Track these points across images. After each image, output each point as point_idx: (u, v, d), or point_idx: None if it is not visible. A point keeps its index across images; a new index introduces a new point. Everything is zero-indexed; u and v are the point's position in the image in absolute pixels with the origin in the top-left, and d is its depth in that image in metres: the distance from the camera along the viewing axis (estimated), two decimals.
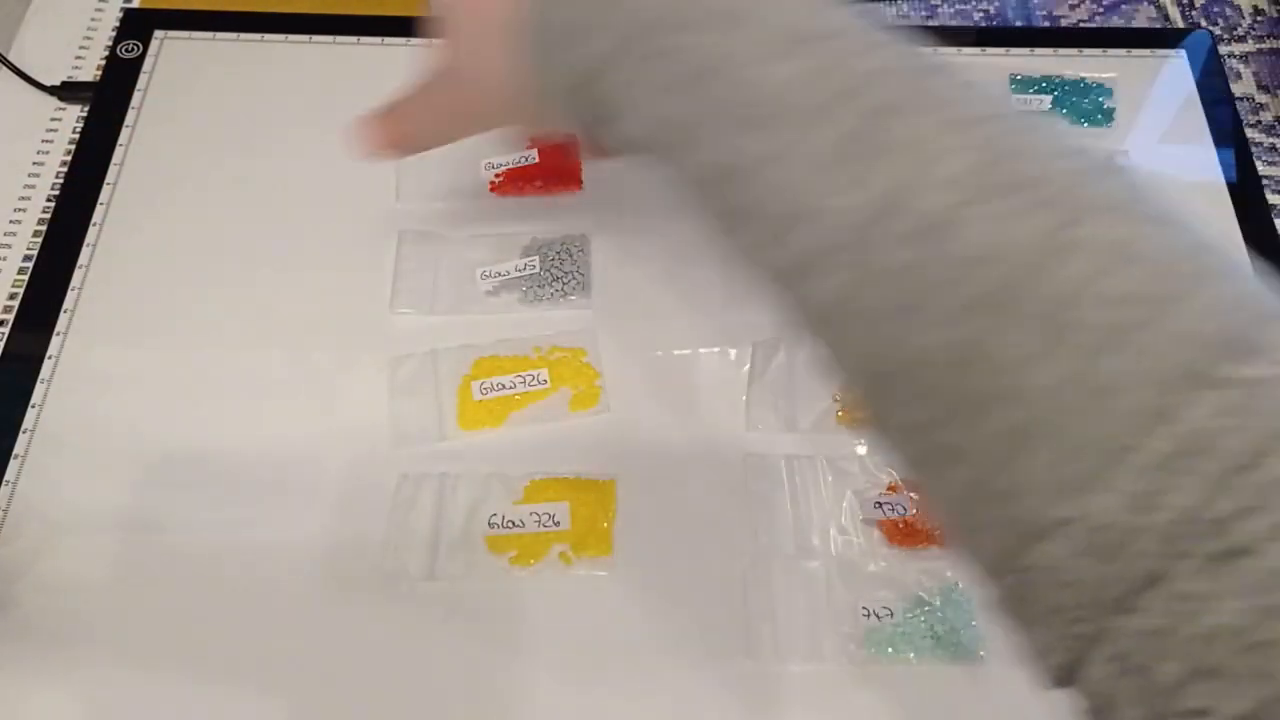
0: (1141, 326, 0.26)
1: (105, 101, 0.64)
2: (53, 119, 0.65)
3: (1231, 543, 0.24)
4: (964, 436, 0.28)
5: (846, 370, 0.31)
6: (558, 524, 0.50)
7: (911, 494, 0.51)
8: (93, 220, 0.60)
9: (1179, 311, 0.26)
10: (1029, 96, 0.65)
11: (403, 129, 0.47)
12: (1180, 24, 0.70)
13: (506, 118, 0.43)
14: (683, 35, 0.32)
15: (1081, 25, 0.70)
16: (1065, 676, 0.29)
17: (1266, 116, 0.66)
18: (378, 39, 0.67)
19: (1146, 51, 0.68)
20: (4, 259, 0.59)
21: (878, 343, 0.30)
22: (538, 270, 0.58)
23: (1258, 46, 0.69)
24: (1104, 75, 0.66)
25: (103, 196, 0.61)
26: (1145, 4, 0.71)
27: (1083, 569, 0.26)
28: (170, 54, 0.66)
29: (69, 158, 0.63)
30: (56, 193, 0.61)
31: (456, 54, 0.42)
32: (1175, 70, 0.67)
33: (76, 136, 0.63)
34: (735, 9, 0.32)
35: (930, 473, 0.30)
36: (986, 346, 0.27)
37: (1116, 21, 0.70)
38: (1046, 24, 0.70)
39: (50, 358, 0.55)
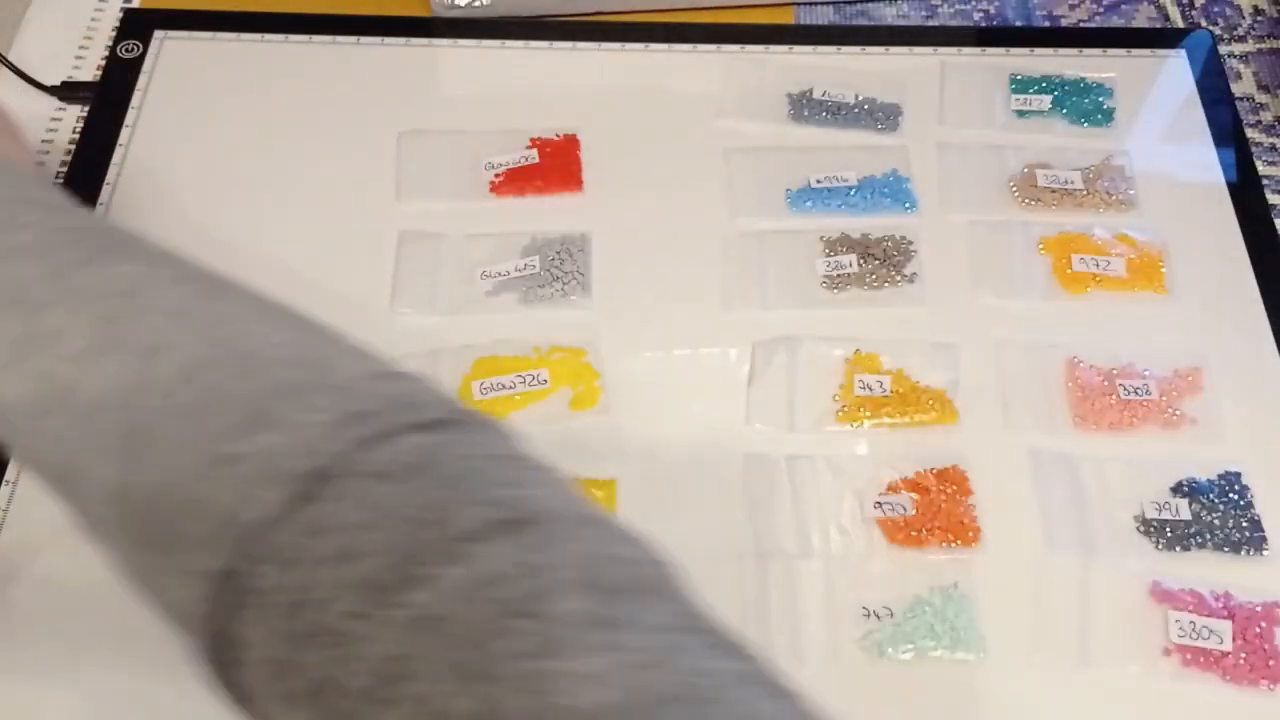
0: None
1: (105, 101, 0.64)
2: (53, 119, 0.65)
3: None
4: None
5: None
6: None
7: (912, 494, 0.52)
8: None
9: None
10: (1029, 96, 0.65)
11: None
12: (1180, 24, 0.70)
13: None
14: None
15: (1081, 25, 0.70)
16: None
17: (1266, 116, 0.66)
18: (378, 39, 0.67)
19: (1146, 51, 0.68)
20: None
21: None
22: (538, 270, 0.58)
23: (1258, 46, 0.69)
24: (1104, 75, 0.66)
25: (103, 196, 0.61)
26: (1145, 4, 0.71)
27: None
28: (170, 54, 0.66)
29: (69, 158, 0.63)
30: None
31: None
32: (1175, 70, 0.67)
33: (76, 136, 0.63)
34: None
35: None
36: None
37: (1116, 21, 0.70)
38: (1046, 24, 0.70)
39: None
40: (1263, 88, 0.68)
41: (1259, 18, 0.71)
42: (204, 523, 0.31)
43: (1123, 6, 0.71)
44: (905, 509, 0.51)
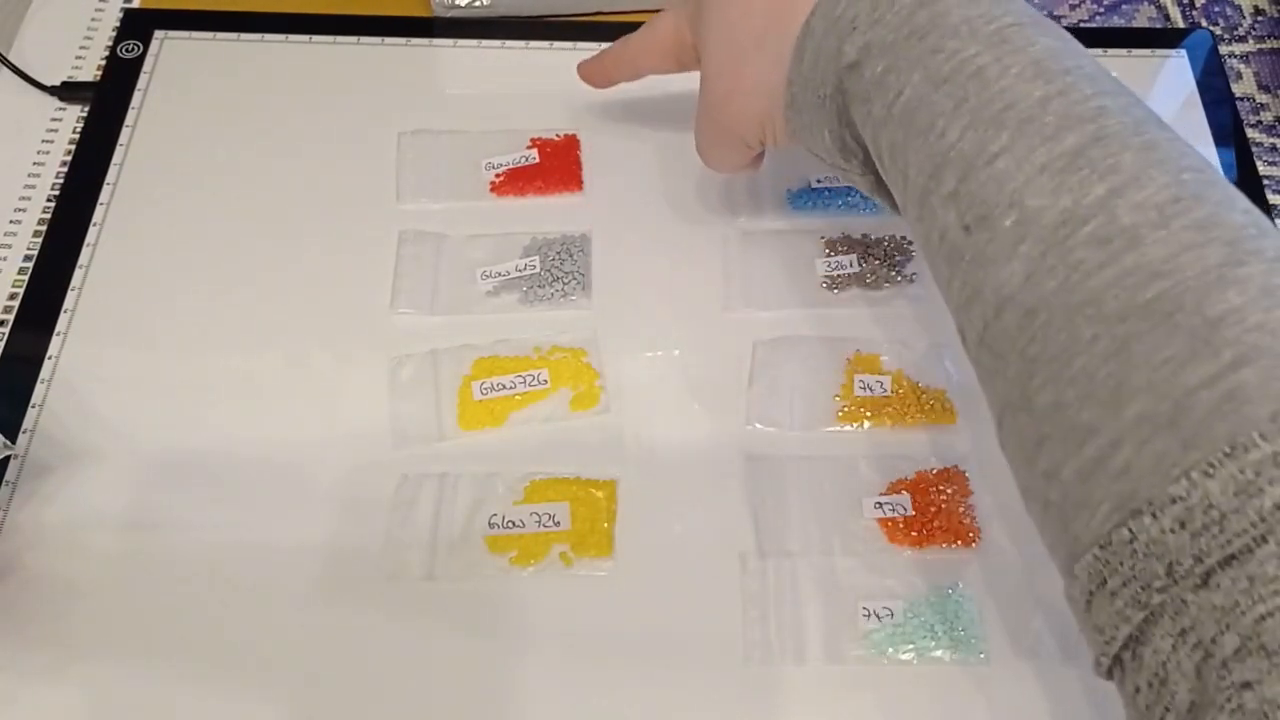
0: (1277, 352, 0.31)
1: (105, 101, 0.64)
2: (53, 119, 0.65)
3: None
4: (1101, 418, 0.33)
5: (1000, 350, 0.36)
6: (558, 524, 0.50)
7: (912, 494, 0.51)
8: (93, 220, 0.60)
9: None
10: None
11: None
12: (1180, 24, 0.70)
13: (749, 129, 0.49)
14: (950, 41, 0.39)
15: (1081, 25, 0.70)
16: (1121, 654, 0.33)
17: (1267, 116, 0.66)
18: (378, 39, 0.67)
19: (1147, 51, 0.68)
20: (4, 259, 0.59)
21: (1045, 327, 0.34)
22: (538, 270, 0.58)
23: (1258, 46, 0.69)
24: None
25: (103, 196, 0.61)
26: (1145, 4, 0.71)
27: (1173, 544, 0.30)
28: (170, 54, 0.66)
29: (69, 158, 0.63)
30: (56, 193, 0.61)
31: (716, 62, 0.49)
32: (1175, 70, 0.67)
33: (76, 136, 0.63)
34: (1000, 33, 0.38)
35: (1053, 452, 0.34)
36: (1143, 344, 0.32)
37: (1117, 21, 0.70)
38: None
39: (50, 358, 0.55)
40: (1263, 88, 0.68)
41: (1259, 18, 0.71)
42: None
43: (1123, 6, 0.71)
44: (905, 509, 0.51)
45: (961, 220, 0.37)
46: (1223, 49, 0.68)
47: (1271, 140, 0.65)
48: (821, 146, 0.45)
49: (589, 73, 0.58)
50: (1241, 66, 0.68)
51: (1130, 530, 0.31)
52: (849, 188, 0.61)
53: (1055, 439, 0.34)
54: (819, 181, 0.61)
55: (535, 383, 0.54)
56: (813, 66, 0.43)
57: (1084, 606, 0.34)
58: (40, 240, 0.59)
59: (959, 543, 0.50)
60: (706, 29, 0.48)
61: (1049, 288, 0.34)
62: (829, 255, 0.59)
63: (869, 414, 0.54)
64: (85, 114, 0.64)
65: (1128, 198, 0.34)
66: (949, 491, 0.51)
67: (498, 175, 0.61)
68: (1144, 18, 0.70)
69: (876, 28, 0.40)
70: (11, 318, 0.57)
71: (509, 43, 0.67)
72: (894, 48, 0.40)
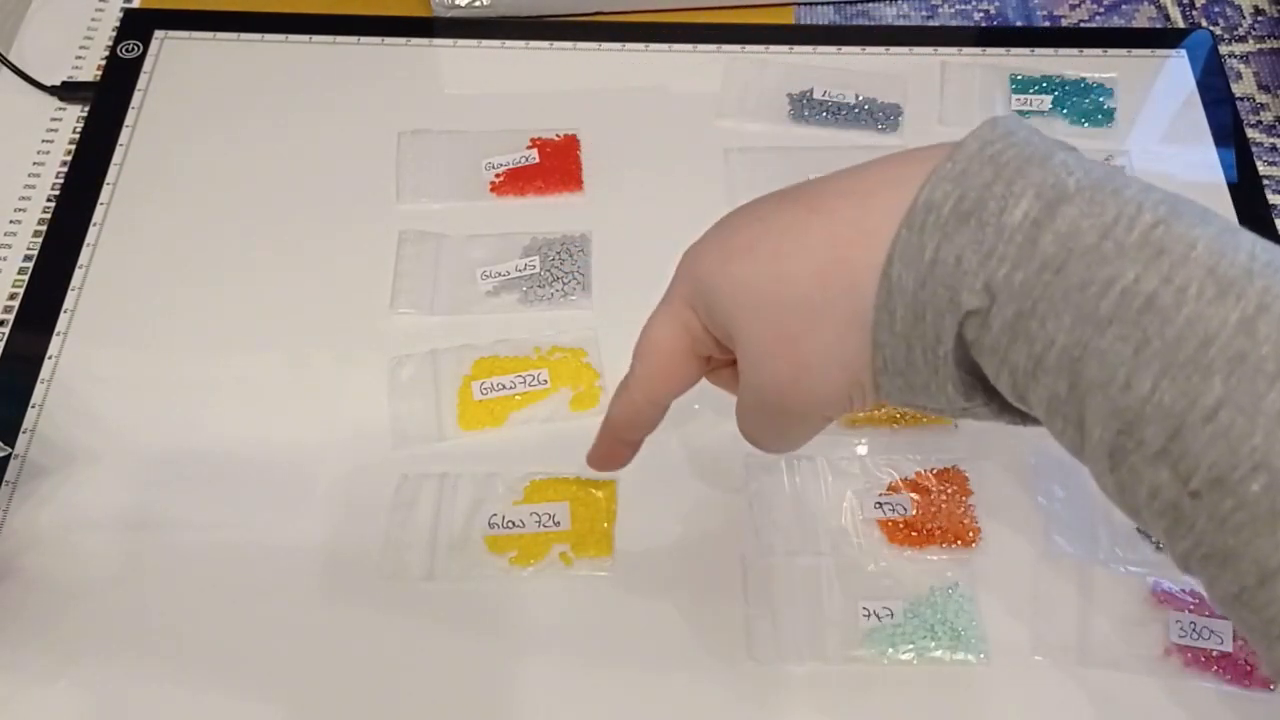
0: None
1: (105, 101, 0.64)
2: (53, 119, 0.65)
3: None
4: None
5: (1271, 615, 0.32)
6: (558, 524, 0.50)
7: (912, 494, 0.51)
8: (93, 220, 0.60)
9: None
10: (1029, 96, 0.65)
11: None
12: (1180, 24, 0.70)
13: (830, 405, 0.39)
14: (1099, 269, 0.32)
15: (1082, 25, 0.70)
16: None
17: (1267, 116, 0.66)
18: (378, 39, 0.67)
19: (1147, 51, 0.68)
20: (4, 259, 0.59)
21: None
22: (538, 270, 0.58)
23: (1258, 46, 0.69)
24: (1104, 75, 0.66)
25: (103, 196, 0.61)
26: (1145, 4, 0.71)
27: None
28: (170, 54, 0.66)
29: (69, 158, 0.63)
30: (56, 193, 0.61)
31: (760, 346, 0.39)
32: (1176, 70, 0.67)
33: (76, 136, 0.63)
34: (1148, 240, 0.32)
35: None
36: None
37: (1117, 21, 0.70)
38: (1047, 24, 0.70)
39: (50, 358, 0.55)
40: (1263, 88, 0.68)
41: (1259, 18, 0.71)
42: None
43: (1123, 6, 0.71)
44: (905, 509, 0.51)
45: (1183, 482, 0.32)
46: (1223, 49, 0.68)
47: (1271, 140, 0.65)
48: (940, 401, 0.37)
49: (604, 458, 0.46)
50: (1241, 66, 0.68)
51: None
52: None
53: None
54: None
55: (535, 383, 0.54)
56: (913, 324, 0.35)
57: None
58: (40, 240, 0.59)
59: (959, 543, 0.50)
60: (735, 307, 0.39)
61: None
62: None
63: (869, 414, 0.54)
64: (85, 114, 0.64)
65: None
66: (949, 491, 0.51)
67: (498, 175, 0.61)
68: (1144, 18, 0.70)
69: (991, 263, 0.33)
70: (11, 318, 0.57)
71: (509, 43, 0.67)
72: (1026, 288, 0.32)
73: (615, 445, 0.45)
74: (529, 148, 0.62)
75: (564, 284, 0.58)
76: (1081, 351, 0.32)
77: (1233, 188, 0.62)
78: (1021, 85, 0.65)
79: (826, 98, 0.64)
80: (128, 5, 0.69)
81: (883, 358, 0.37)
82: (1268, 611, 0.31)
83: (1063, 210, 0.32)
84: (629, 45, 0.66)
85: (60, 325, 0.56)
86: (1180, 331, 0.31)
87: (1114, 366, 0.32)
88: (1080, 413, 0.33)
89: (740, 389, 0.41)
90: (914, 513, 0.51)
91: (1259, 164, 0.63)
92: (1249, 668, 0.47)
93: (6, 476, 0.52)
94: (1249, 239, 0.33)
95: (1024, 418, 0.38)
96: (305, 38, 0.67)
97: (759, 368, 0.39)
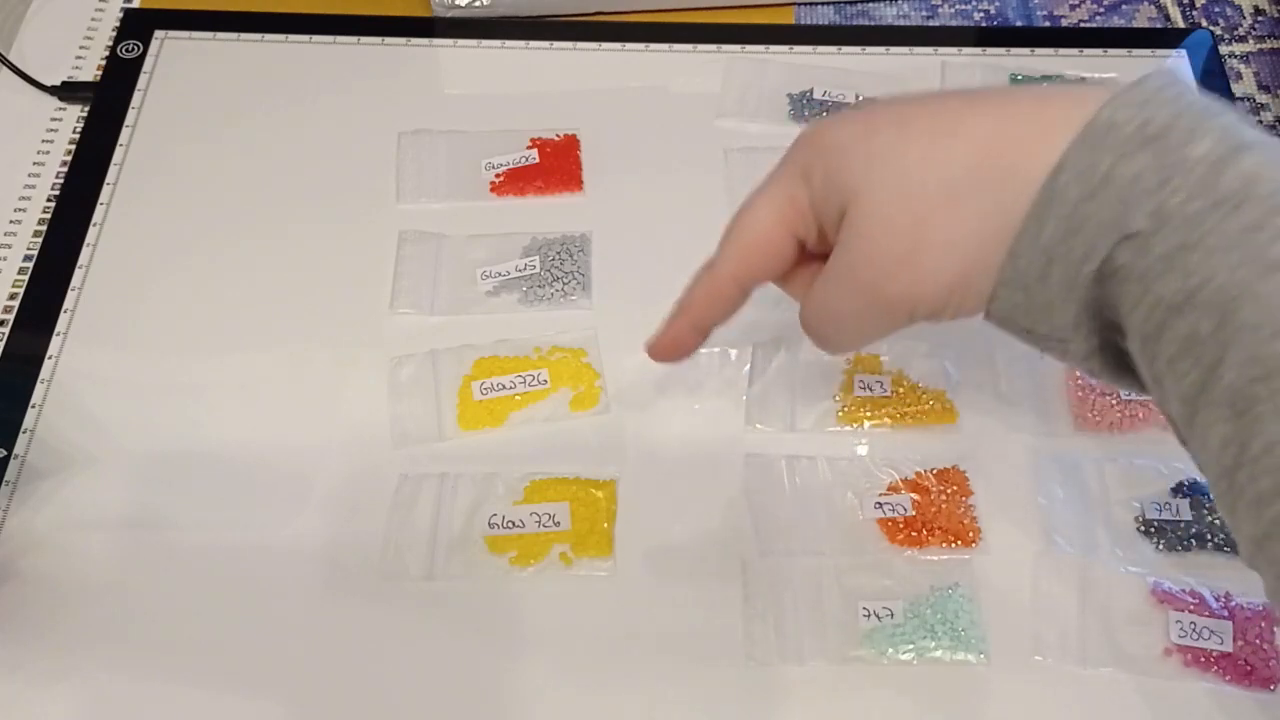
0: None
1: (105, 101, 0.64)
2: (53, 119, 0.65)
3: None
4: None
5: None
6: (558, 524, 0.50)
7: (912, 494, 0.51)
8: (93, 220, 0.60)
9: None
10: None
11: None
12: (1181, 24, 0.70)
13: (929, 298, 0.39)
14: (1277, 217, 0.32)
15: (1082, 25, 0.70)
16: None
17: (1267, 116, 0.66)
18: (378, 39, 0.67)
19: (1147, 51, 0.68)
20: (4, 259, 0.59)
21: None
22: (538, 270, 0.58)
23: (1258, 46, 0.69)
24: (1104, 75, 0.66)
25: (103, 196, 0.61)
26: (1146, 4, 0.71)
27: None
28: (170, 54, 0.66)
29: (69, 158, 0.63)
30: (56, 193, 0.61)
31: (886, 218, 0.38)
32: (1176, 70, 0.67)
33: (76, 136, 0.63)
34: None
35: None
36: None
37: (1117, 21, 0.70)
38: (1047, 24, 0.70)
39: (50, 358, 0.55)
40: (1263, 88, 0.68)
41: (1259, 18, 0.71)
42: None
43: (1123, 7, 0.71)
44: (905, 509, 0.51)
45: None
46: (1223, 49, 0.68)
47: None
48: (1047, 326, 0.37)
49: (669, 345, 0.45)
50: (1241, 66, 0.68)
51: None
52: None
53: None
54: None
55: (535, 383, 0.54)
56: (1063, 238, 0.34)
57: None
58: (40, 240, 0.59)
59: (959, 543, 0.50)
60: (865, 176, 0.37)
61: None
62: None
63: (869, 414, 0.54)
64: (85, 114, 0.64)
65: None
66: (949, 491, 0.51)
67: (498, 175, 0.61)
68: (1144, 18, 0.70)
69: (1166, 190, 0.33)
70: (11, 318, 0.57)
71: (509, 43, 0.67)
72: (1197, 220, 0.32)
73: (686, 331, 0.44)
74: (529, 148, 0.62)
75: (564, 284, 0.58)
76: (1240, 291, 0.32)
77: None
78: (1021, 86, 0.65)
79: (826, 98, 0.64)
80: (128, 5, 0.69)
81: (1015, 268, 0.36)
82: None
83: (1244, 155, 0.32)
84: (629, 45, 0.66)
85: (60, 325, 0.56)
86: None
87: (1271, 311, 0.31)
88: (1220, 354, 0.32)
89: (829, 270, 0.40)
90: (914, 513, 0.51)
91: None
92: (1249, 668, 0.47)
93: (7, 476, 0.52)
94: None
95: (1115, 366, 0.37)
96: (305, 38, 0.67)
97: (872, 241, 0.38)
